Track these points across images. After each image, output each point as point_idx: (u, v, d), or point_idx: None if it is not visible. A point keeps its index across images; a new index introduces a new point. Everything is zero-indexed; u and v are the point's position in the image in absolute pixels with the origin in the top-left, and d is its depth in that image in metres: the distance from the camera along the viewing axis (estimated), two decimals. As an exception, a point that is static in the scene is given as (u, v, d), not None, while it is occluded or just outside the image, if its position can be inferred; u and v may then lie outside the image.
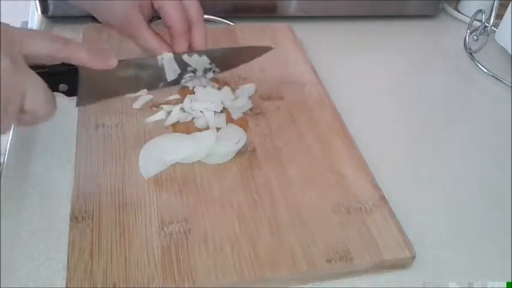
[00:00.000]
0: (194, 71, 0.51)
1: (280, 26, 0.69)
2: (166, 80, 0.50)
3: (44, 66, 0.40)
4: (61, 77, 0.42)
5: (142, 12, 0.49)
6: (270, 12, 0.73)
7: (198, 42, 0.52)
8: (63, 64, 0.41)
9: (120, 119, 0.51)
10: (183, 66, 0.50)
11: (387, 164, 0.51)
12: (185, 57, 0.50)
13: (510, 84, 0.67)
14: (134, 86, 0.49)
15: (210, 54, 0.51)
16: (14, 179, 0.46)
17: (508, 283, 0.42)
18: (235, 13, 0.70)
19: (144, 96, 0.52)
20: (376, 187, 0.47)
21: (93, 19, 0.53)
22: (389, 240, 0.42)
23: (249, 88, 0.56)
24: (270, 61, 0.61)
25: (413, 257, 0.42)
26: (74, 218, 0.41)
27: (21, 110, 0.36)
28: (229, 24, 0.69)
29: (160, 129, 0.50)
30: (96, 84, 0.44)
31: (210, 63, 0.52)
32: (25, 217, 0.43)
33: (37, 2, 0.65)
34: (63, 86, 0.42)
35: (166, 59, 0.49)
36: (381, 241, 0.42)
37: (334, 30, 0.75)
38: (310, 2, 0.73)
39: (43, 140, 0.50)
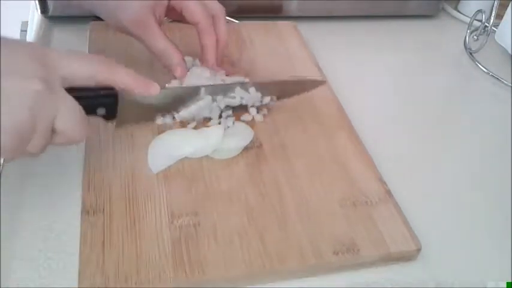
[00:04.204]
0: (244, 106, 0.52)
1: (285, 24, 0.70)
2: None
3: (83, 89, 0.39)
4: (100, 101, 0.42)
5: (154, 12, 0.50)
6: (273, 13, 0.73)
7: (223, 33, 0.53)
8: (103, 88, 0.41)
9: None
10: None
11: (392, 160, 0.52)
12: (238, 90, 0.51)
13: (510, 84, 0.67)
14: (163, 111, 0.50)
15: (265, 88, 0.52)
16: (14, 179, 0.45)
17: (508, 283, 0.42)
18: (240, 13, 0.71)
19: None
20: (382, 181, 0.48)
21: (94, 19, 0.52)
22: (395, 233, 0.43)
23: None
24: (275, 58, 0.61)
25: (419, 250, 0.42)
26: (85, 212, 0.41)
27: (53, 130, 0.36)
28: (234, 22, 0.70)
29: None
30: (134, 108, 0.45)
31: (262, 96, 0.52)
32: (25, 217, 0.42)
33: (37, 2, 0.65)
34: (100, 110, 0.42)
35: (205, 100, 0.49)
36: (387, 234, 0.43)
37: (335, 30, 0.75)
38: (312, 3, 0.74)
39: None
